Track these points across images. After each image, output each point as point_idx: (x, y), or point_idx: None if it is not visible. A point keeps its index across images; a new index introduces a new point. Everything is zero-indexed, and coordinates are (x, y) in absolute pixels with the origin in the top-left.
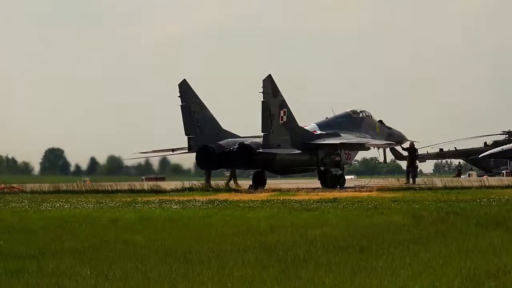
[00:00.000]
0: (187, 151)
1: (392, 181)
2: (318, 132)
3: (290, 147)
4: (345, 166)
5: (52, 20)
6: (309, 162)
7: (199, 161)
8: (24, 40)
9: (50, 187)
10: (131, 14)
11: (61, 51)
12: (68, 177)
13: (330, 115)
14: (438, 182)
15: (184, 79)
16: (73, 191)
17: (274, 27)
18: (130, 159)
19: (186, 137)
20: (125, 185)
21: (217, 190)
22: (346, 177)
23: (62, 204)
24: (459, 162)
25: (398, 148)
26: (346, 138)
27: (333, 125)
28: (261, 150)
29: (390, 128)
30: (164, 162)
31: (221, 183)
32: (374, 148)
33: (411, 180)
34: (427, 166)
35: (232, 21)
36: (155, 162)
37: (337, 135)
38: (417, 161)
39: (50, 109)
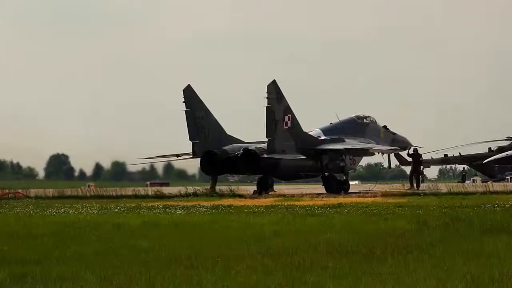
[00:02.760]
0: (191, 156)
1: (396, 187)
2: (323, 137)
3: (294, 152)
4: (349, 171)
5: (53, 22)
6: (314, 168)
7: (203, 167)
8: (29, 41)
9: (55, 192)
10: (135, 19)
11: (64, 55)
12: (73, 182)
13: (335, 120)
14: (443, 187)
15: (189, 85)
16: (77, 196)
17: (279, 32)
18: (134, 164)
19: (191, 142)
20: (129, 190)
21: (222, 195)
22: (350, 182)
23: (66, 209)
24: (464, 168)
25: (403, 153)
26: (351, 143)
27: (337, 131)
28: (265, 156)
29: (394, 134)
30: (168, 167)
31: (225, 188)
32: (378, 153)
33: (415, 185)
34: (431, 172)
35: (237, 26)
36: (159, 167)
37: (341, 140)
38: (421, 167)
39: (53, 114)
